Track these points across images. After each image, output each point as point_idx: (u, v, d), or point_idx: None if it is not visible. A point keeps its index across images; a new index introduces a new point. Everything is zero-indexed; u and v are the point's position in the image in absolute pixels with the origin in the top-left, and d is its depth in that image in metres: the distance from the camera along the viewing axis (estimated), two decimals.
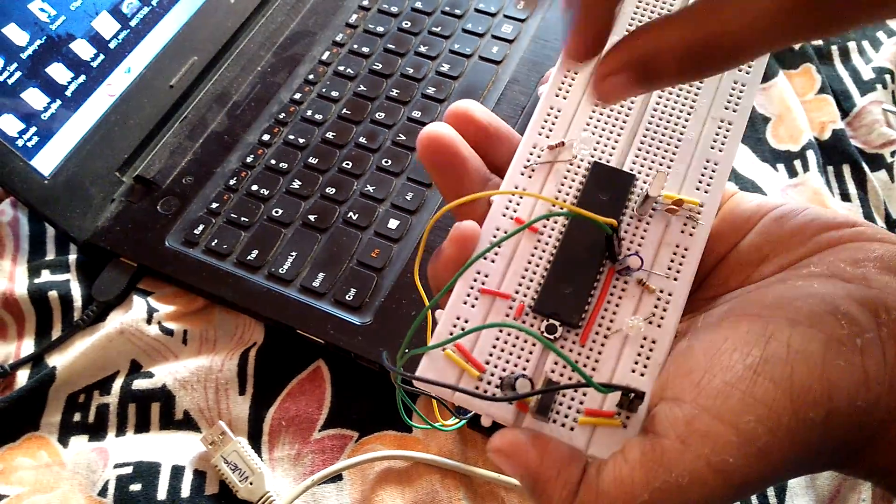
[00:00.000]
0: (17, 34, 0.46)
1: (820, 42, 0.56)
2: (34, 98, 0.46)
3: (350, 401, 0.41)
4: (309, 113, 0.51)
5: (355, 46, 0.55)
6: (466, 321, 0.24)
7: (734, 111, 0.26)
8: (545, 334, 0.24)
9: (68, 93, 0.48)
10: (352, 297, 0.42)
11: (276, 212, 0.46)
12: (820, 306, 0.21)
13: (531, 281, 0.24)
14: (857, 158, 0.50)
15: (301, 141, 0.50)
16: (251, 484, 0.38)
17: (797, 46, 0.55)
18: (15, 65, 0.46)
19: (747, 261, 0.25)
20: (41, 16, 0.47)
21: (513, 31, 0.54)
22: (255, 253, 0.45)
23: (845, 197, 0.49)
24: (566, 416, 0.23)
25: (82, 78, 0.49)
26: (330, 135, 0.50)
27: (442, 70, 0.52)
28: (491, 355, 0.24)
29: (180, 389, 0.42)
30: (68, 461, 0.41)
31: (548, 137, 0.26)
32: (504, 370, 0.23)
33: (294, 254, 0.44)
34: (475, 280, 0.25)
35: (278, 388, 0.42)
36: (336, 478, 0.39)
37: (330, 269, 0.44)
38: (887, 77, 0.53)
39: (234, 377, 0.42)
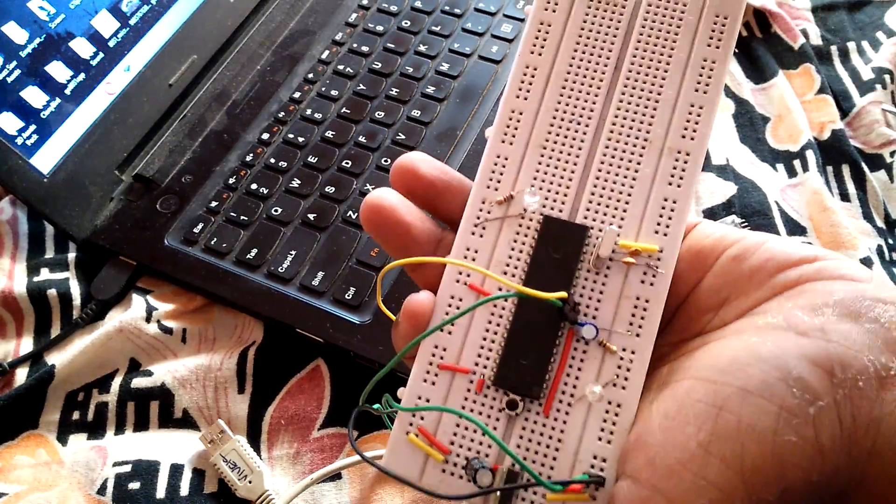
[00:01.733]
0: (16, 32, 0.46)
1: (819, 42, 0.56)
2: (33, 96, 0.46)
3: (349, 400, 0.41)
4: (308, 112, 0.51)
5: (355, 45, 0.55)
6: (428, 400, 0.24)
7: (692, 139, 0.24)
8: (507, 410, 0.23)
9: (67, 91, 0.48)
10: (351, 296, 0.42)
11: (276, 210, 0.46)
12: (772, 373, 0.20)
13: (490, 351, 0.24)
14: (857, 158, 0.50)
15: (300, 140, 0.50)
16: (250, 482, 0.38)
17: (796, 46, 0.55)
18: (14, 63, 0.45)
19: (707, 305, 0.24)
20: (40, 14, 0.47)
21: (513, 31, 0.54)
22: (254, 252, 0.45)
23: (844, 197, 0.49)
24: (534, 494, 0.22)
25: (81, 76, 0.48)
26: (329, 134, 0.50)
27: (441, 69, 0.52)
28: (455, 435, 0.23)
29: (179, 388, 0.42)
30: (67, 459, 0.41)
31: (496, 190, 0.25)
32: (469, 450, 0.23)
33: (293, 253, 0.44)
34: (433, 355, 0.24)
35: (277, 387, 0.42)
36: (335, 476, 0.39)
37: (329, 267, 0.44)
38: (886, 77, 0.53)
39: (234, 376, 0.42)
